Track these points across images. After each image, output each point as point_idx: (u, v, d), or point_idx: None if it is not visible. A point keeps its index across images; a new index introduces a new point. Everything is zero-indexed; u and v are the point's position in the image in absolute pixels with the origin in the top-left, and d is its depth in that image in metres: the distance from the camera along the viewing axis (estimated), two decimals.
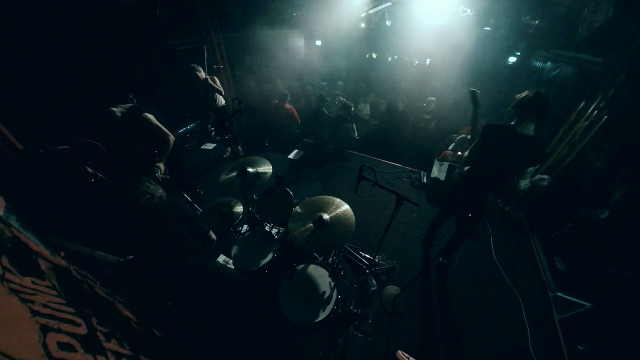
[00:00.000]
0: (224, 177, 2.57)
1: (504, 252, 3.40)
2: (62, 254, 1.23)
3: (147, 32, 4.13)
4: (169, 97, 4.71)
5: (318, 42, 8.48)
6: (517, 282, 3.03)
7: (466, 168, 2.53)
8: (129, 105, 2.65)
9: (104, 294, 1.32)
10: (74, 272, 1.22)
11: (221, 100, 4.47)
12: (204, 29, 5.13)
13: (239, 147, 5.04)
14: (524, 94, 1.99)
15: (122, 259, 1.78)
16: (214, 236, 1.87)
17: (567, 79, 4.33)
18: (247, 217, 3.07)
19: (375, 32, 8.01)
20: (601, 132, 3.24)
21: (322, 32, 7.87)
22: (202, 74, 4.15)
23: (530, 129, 2.01)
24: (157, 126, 2.72)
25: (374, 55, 8.70)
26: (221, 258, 2.69)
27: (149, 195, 1.67)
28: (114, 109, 2.53)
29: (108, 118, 2.49)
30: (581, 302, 2.66)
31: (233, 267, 2.35)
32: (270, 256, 2.37)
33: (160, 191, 1.74)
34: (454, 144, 4.63)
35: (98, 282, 1.31)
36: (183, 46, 5.07)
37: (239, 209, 2.85)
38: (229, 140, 3.21)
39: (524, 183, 2.17)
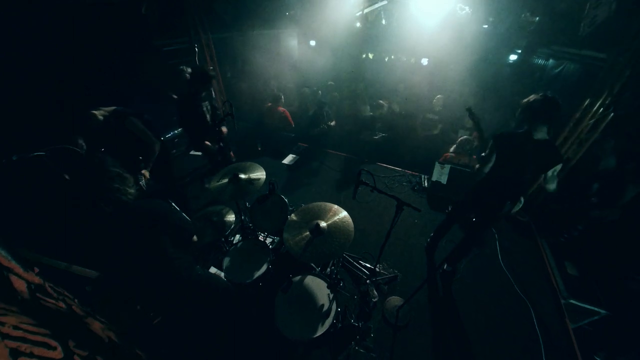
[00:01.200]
0: (214, 184, 2.55)
1: (511, 257, 3.39)
2: (37, 269, 1.19)
3: (132, 32, 4.12)
4: (156, 100, 4.69)
5: (312, 42, 8.54)
6: (526, 289, 3.01)
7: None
8: (112, 108, 2.61)
9: (83, 313, 1.27)
10: (49, 290, 1.17)
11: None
12: (192, 28, 5.13)
13: (231, 153, 5.02)
14: (531, 99, 2.02)
15: (102, 274, 1.71)
16: (195, 238, 1.83)
17: (570, 76, 4.39)
18: (239, 226, 3.03)
19: (371, 32, 8.11)
20: (609, 129, 3.26)
21: (316, 32, 7.94)
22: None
23: (544, 133, 2.04)
24: (143, 131, 2.68)
25: (371, 56, 8.80)
26: (212, 271, 2.64)
27: (117, 187, 1.44)
28: (95, 112, 2.49)
29: (89, 122, 2.45)
30: (596, 309, 2.64)
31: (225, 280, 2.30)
32: (264, 268, 2.33)
33: (132, 191, 1.52)
34: (455, 145, 4.65)
35: (76, 300, 1.27)
36: (170, 46, 5.08)
37: (231, 217, 2.81)
38: (221, 147, 3.20)
39: (552, 187, 2.19)
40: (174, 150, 5.24)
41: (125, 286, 1.53)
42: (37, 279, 1.14)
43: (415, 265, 3.25)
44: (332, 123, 5.64)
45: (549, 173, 2.13)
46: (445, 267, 3.14)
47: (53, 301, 1.16)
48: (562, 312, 2.78)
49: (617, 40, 3.00)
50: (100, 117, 2.51)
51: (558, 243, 3.44)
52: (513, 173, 2.24)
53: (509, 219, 4.02)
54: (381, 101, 6.54)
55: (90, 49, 3.56)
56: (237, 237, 3.17)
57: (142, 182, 2.34)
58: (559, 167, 2.09)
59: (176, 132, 5.34)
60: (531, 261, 3.40)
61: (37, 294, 1.10)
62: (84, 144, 2.54)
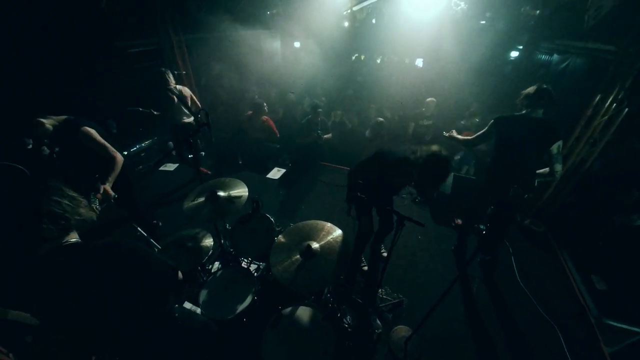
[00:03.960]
0: (188, 204, 2.51)
1: (529, 273, 3.37)
2: None
3: (91, 30, 4.07)
4: (119, 108, 4.60)
5: (297, 44, 8.68)
6: (550, 309, 2.97)
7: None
8: (63, 117, 2.52)
9: None
10: None
11: (187, 115, 4.51)
12: (161, 28, 5.12)
13: (204, 169, 4.98)
14: (527, 90, 2.59)
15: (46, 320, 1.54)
16: (180, 275, 1.65)
17: (577, 71, 4.52)
18: (218, 252, 2.98)
19: (360, 32, 8.31)
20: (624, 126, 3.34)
21: (300, 33, 8.08)
22: (173, 81, 4.27)
23: (539, 113, 2.56)
24: (99, 143, 2.59)
25: (362, 57, 8.98)
26: (186, 306, 2.50)
27: (61, 218, 1.14)
28: (43, 120, 2.39)
29: (35, 131, 2.35)
30: (635, 329, 2.59)
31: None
32: (249, 300, 2.26)
33: (83, 211, 1.24)
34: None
35: (11, 355, 1.14)
36: (136, 48, 5.04)
37: (209, 242, 2.73)
38: (196, 160, 3.13)
39: (559, 167, 2.56)
40: (140, 167, 5.11)
41: (77, 335, 1.33)
42: None
43: (421, 287, 3.20)
44: (328, 136, 5.54)
45: (554, 150, 2.49)
46: (482, 256, 3.43)
47: None
48: (595, 334, 2.72)
49: (625, 31, 3.11)
50: (49, 127, 2.40)
51: (581, 254, 3.44)
52: (515, 153, 2.65)
53: (522, 230, 4.02)
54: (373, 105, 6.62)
55: (39, 48, 3.46)
56: (216, 264, 3.07)
57: (96, 204, 2.22)
58: (560, 143, 2.48)
59: (143, 144, 5.22)
60: (553, 277, 3.38)
61: None
62: (30, 142, 2.42)
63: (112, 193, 2.43)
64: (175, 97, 4.22)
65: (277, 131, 5.39)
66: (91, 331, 1.23)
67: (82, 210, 1.23)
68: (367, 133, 5.20)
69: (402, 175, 2.43)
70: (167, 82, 4.16)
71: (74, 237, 1.22)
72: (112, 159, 2.62)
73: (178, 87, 4.30)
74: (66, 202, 1.17)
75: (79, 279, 1.16)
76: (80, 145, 2.53)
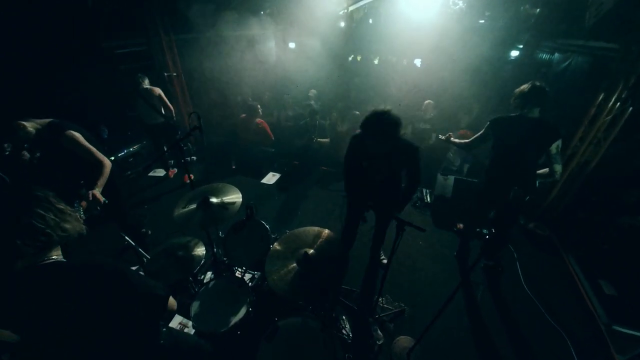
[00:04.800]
0: (179, 211, 2.48)
1: (535, 279, 3.37)
2: None
3: (77, 30, 4.05)
4: (106, 111, 4.57)
5: (292, 45, 8.72)
6: (558, 316, 2.96)
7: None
8: (48, 120, 2.48)
9: None
10: None
11: (156, 116, 4.62)
12: (151, 28, 5.11)
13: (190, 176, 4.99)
14: (521, 89, 2.61)
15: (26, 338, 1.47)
16: (174, 304, 1.53)
17: (579, 70, 4.58)
18: (211, 261, 2.96)
19: (357, 32, 8.36)
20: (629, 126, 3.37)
21: (296, 33, 8.11)
22: (144, 83, 4.43)
23: (535, 113, 2.58)
24: (86, 148, 2.55)
25: (359, 58, 9.03)
26: (176, 320, 2.46)
27: (42, 234, 1.06)
28: (24, 122, 2.35)
29: (15, 134, 2.31)
30: None
31: (193, 330, 2.13)
32: (243, 311, 2.22)
33: (70, 226, 1.16)
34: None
35: None
36: (124, 49, 5.03)
37: (200, 251, 2.69)
38: (185, 164, 3.10)
39: (559, 167, 2.60)
40: (129, 172, 5.07)
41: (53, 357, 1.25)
42: None
43: (423, 295, 3.18)
44: (325, 140, 5.58)
45: (553, 150, 2.53)
46: (485, 262, 3.43)
47: None
48: (606, 341, 2.70)
49: (627, 29, 3.15)
50: (31, 130, 2.37)
51: (588, 258, 3.44)
52: (514, 154, 2.68)
53: (526, 234, 4.03)
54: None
55: (21, 47, 3.43)
56: (209, 274, 3.04)
57: (80, 213, 2.17)
58: (559, 142, 2.51)
59: (132, 149, 5.18)
60: (559, 282, 3.37)
61: None
62: (9, 147, 2.38)
63: (102, 198, 2.38)
64: (142, 98, 4.37)
65: (271, 134, 5.39)
66: (68, 355, 1.17)
67: (68, 226, 1.14)
68: (341, 126, 5.40)
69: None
70: (136, 85, 4.34)
71: (55, 254, 1.15)
72: (100, 163, 2.58)
73: (148, 87, 4.44)
74: (51, 216, 1.09)
75: (54, 300, 1.09)
76: (65, 150, 2.50)
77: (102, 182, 2.52)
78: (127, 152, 5.12)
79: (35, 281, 1.08)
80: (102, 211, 2.39)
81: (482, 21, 6.73)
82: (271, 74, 7.88)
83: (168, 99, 4.61)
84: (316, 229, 2.24)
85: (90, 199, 2.30)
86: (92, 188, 2.38)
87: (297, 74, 7.79)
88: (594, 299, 3.02)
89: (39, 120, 2.46)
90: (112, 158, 2.91)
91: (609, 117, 3.47)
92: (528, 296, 3.17)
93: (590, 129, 3.63)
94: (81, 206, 2.22)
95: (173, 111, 4.75)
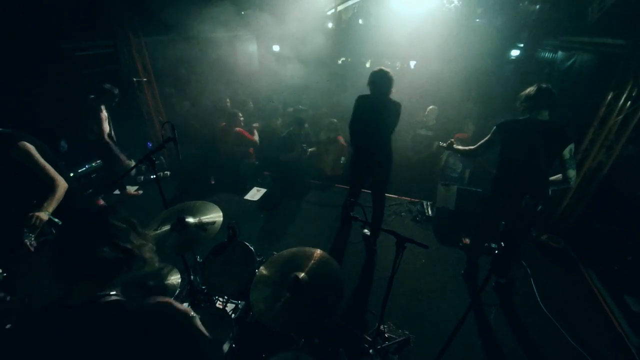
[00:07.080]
0: (150, 233, 2.35)
1: (552, 296, 3.37)
2: None
3: (30, 28, 4.00)
4: (65, 120, 4.47)
5: (275, 47, 8.82)
6: (581, 337, 2.94)
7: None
8: None
9: None
10: None
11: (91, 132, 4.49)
12: (118, 29, 5.06)
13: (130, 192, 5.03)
14: (527, 91, 2.69)
15: None
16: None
17: (584, 69, 4.72)
18: (187, 290, 2.89)
19: (346, 33, 8.52)
20: None
21: (279, 35, 8.21)
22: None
23: (545, 115, 2.66)
24: (38, 164, 2.47)
25: (349, 60, 9.19)
26: None
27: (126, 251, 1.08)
28: None
29: None
30: None
31: None
32: (226, 347, 2.15)
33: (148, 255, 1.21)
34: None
35: None
36: (86, 51, 5.00)
37: (175, 279, 2.64)
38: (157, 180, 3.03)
39: (573, 172, 2.65)
40: (90, 190, 4.94)
41: None
42: None
43: (430, 320, 3.14)
44: (313, 149, 5.59)
45: (566, 154, 2.58)
46: (497, 280, 3.43)
47: None
48: None
49: (634, 23, 3.27)
50: None
51: (609, 271, 3.46)
52: (524, 160, 2.72)
53: (540, 247, 4.04)
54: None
55: None
56: (185, 305, 2.92)
57: (30, 239, 2.07)
58: (572, 146, 2.57)
59: (94, 164, 5.07)
60: (580, 299, 3.38)
61: None
62: None
63: (45, 218, 2.25)
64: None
65: (252, 137, 5.33)
66: None
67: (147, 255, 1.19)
68: (322, 134, 5.64)
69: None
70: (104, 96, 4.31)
71: (114, 292, 1.11)
72: (52, 182, 2.50)
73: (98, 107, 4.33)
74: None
75: (112, 348, 1.00)
76: (15, 164, 2.41)
77: (51, 203, 2.41)
78: (88, 168, 5.02)
79: (97, 320, 1.02)
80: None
81: (478, 20, 6.94)
82: (253, 78, 7.92)
83: (138, 107, 4.51)
84: (307, 249, 2.23)
85: (32, 222, 2.19)
86: (39, 210, 2.28)
87: (281, 78, 7.86)
88: (621, 317, 3.03)
89: None
90: (72, 174, 2.80)
91: (620, 117, 3.56)
92: (546, 316, 3.15)
93: (601, 130, 3.71)
94: (35, 224, 2.13)
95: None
